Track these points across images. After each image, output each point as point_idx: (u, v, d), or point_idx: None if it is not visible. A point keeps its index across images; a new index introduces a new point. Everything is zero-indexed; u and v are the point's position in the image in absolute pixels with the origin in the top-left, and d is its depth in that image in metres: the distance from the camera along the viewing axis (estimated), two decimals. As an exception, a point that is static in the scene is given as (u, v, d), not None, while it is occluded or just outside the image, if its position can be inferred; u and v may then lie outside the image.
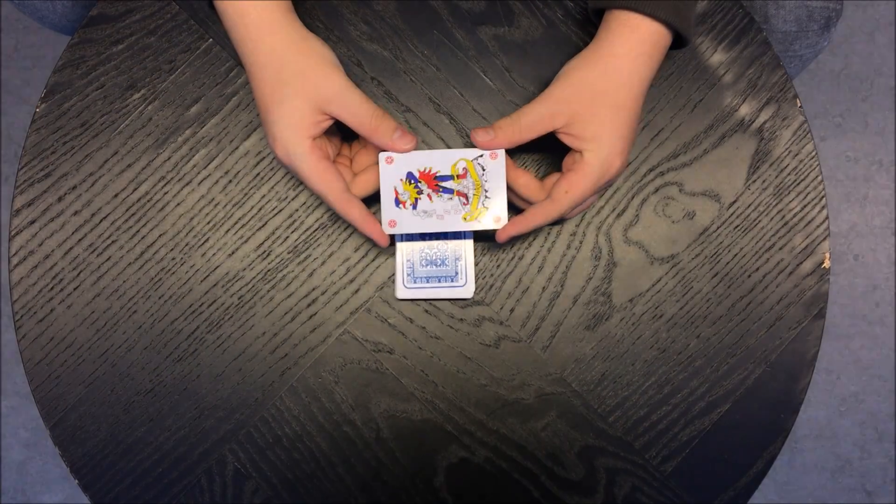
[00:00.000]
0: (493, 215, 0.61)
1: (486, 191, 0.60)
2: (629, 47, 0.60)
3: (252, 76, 0.59)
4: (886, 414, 1.48)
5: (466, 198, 0.60)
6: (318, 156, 0.58)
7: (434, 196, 0.60)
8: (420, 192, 0.60)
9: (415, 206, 0.61)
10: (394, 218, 0.61)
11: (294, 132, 0.58)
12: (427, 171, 0.60)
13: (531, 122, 0.60)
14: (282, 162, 0.59)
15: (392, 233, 0.61)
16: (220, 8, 0.59)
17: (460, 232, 0.67)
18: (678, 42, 0.62)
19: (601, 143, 0.59)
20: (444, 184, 0.60)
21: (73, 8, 0.76)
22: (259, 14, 0.58)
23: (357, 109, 0.58)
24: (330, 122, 0.59)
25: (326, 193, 0.59)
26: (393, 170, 0.60)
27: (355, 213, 0.59)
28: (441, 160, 0.60)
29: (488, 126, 0.60)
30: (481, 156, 0.60)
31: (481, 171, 0.60)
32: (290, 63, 0.58)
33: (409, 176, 0.60)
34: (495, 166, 0.60)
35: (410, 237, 0.67)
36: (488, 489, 0.68)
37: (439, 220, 0.61)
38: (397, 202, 0.60)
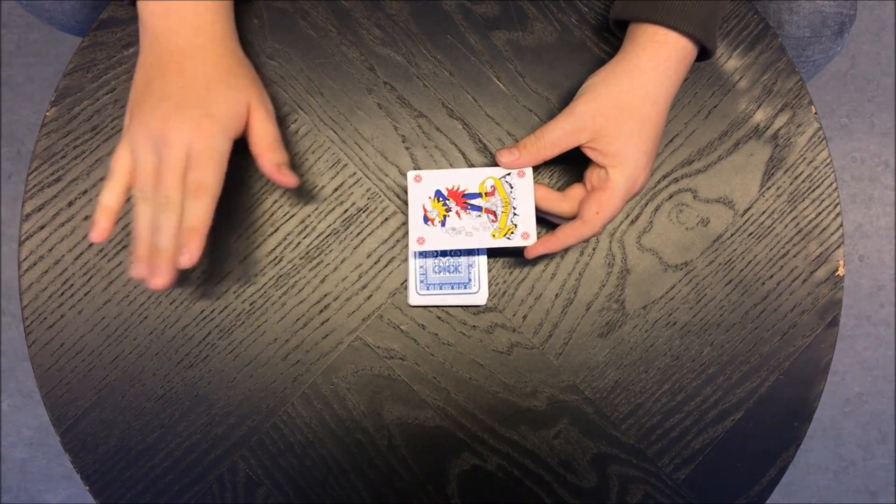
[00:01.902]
0: (522, 231, 0.61)
1: (515, 208, 0.61)
2: (656, 62, 0.59)
3: (193, 48, 0.59)
4: (890, 415, 1.48)
5: (495, 215, 0.60)
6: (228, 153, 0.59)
7: (462, 213, 0.61)
8: (448, 210, 0.61)
9: (443, 224, 0.61)
10: (422, 235, 0.61)
11: (231, 120, 0.58)
12: (455, 188, 0.60)
13: (556, 138, 0.59)
14: (177, 126, 0.57)
15: (420, 250, 0.61)
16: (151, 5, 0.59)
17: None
18: (702, 55, 0.62)
19: (627, 160, 0.59)
20: (472, 201, 0.61)
21: (80, 8, 0.75)
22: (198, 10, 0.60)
23: (270, 127, 0.61)
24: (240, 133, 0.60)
25: (215, 182, 0.58)
26: (421, 188, 0.61)
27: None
28: (469, 178, 0.61)
29: (512, 146, 0.60)
30: (509, 174, 0.61)
31: (509, 189, 0.61)
32: (238, 55, 0.62)
33: (438, 194, 0.61)
34: (523, 184, 0.61)
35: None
36: (500, 497, 0.68)
37: (468, 237, 0.61)
38: (426, 219, 0.61)
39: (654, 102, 0.60)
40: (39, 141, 0.67)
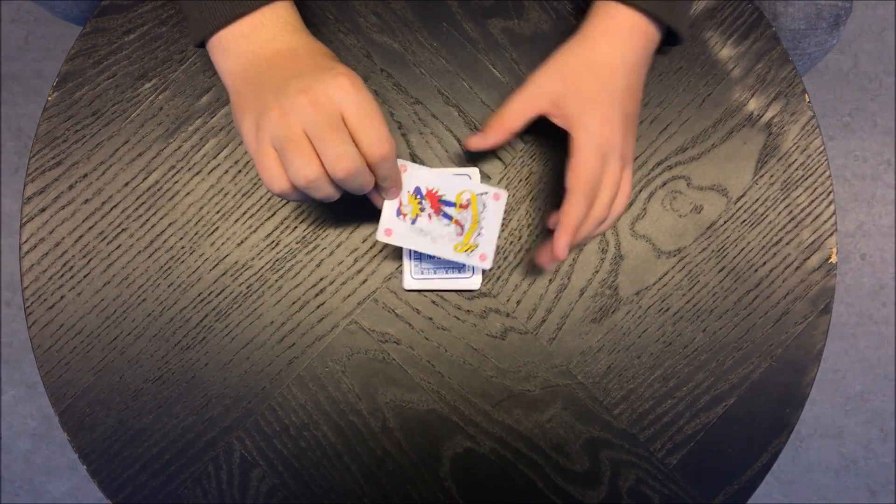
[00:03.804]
0: (481, 252, 0.61)
1: (482, 228, 0.60)
2: (603, 29, 0.61)
3: (295, 42, 0.56)
4: (891, 413, 1.48)
5: (462, 229, 0.60)
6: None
7: (434, 217, 0.60)
8: (422, 210, 0.60)
9: (413, 222, 0.60)
10: (391, 227, 0.60)
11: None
12: (435, 191, 0.60)
13: (515, 109, 0.60)
14: (322, 87, 0.52)
15: (385, 241, 0.60)
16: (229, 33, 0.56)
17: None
18: (674, 39, 0.63)
19: (588, 117, 0.59)
20: (446, 209, 0.60)
21: (85, -3, 0.76)
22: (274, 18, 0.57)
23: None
24: None
25: (388, 139, 0.54)
26: (403, 179, 0.60)
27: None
28: (449, 185, 0.60)
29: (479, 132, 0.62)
30: (486, 193, 0.60)
31: (482, 208, 0.60)
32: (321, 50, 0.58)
33: (417, 191, 0.60)
34: (496, 207, 0.60)
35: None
36: (493, 479, 0.68)
37: (433, 242, 0.60)
38: (399, 212, 0.60)
39: (609, 65, 0.60)
40: (41, 125, 0.68)
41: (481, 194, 0.60)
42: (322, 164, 0.52)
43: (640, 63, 0.62)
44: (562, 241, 0.59)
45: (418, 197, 0.60)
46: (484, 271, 0.68)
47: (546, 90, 0.60)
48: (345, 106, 0.52)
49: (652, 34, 0.62)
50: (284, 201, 0.68)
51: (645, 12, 0.60)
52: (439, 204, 0.60)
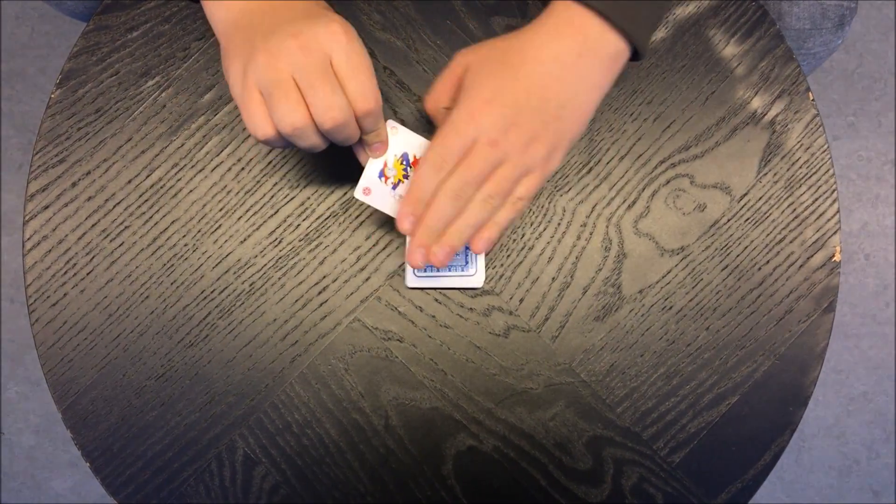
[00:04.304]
0: None
1: None
2: (539, 21, 0.57)
3: (272, 2, 0.55)
4: (894, 414, 1.48)
5: None
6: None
7: None
8: (406, 177, 0.60)
9: (395, 187, 0.60)
10: (370, 186, 0.59)
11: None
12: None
13: (442, 75, 0.59)
14: (312, 33, 0.51)
15: (361, 199, 0.60)
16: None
17: None
18: (635, 54, 0.58)
19: (470, 92, 0.56)
20: None
21: (89, -5, 0.76)
22: None
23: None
24: None
25: (375, 92, 0.54)
26: (393, 141, 0.59)
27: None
28: None
29: None
30: None
31: None
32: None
33: (404, 157, 0.60)
34: None
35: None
36: (496, 478, 0.68)
37: None
38: (381, 174, 0.60)
39: (523, 52, 0.56)
40: (44, 122, 0.68)
41: None
42: (309, 112, 0.52)
43: (575, 64, 0.56)
44: (402, 210, 0.57)
45: (404, 163, 0.60)
46: (486, 270, 0.68)
47: (461, 61, 0.58)
48: (335, 54, 0.51)
49: (594, 34, 0.55)
50: (287, 199, 0.68)
51: (593, 10, 0.54)
52: None
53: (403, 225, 0.57)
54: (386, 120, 0.59)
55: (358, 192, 0.60)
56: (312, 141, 0.53)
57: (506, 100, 0.55)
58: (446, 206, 0.56)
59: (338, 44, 0.52)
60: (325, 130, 0.53)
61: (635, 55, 0.58)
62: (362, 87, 0.53)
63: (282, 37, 0.51)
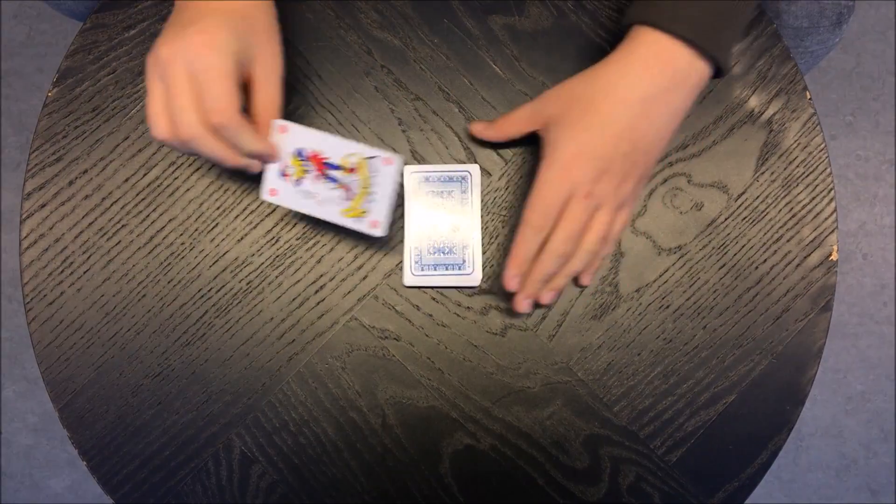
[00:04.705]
0: (371, 219, 0.59)
1: (372, 193, 0.59)
2: (622, 55, 0.57)
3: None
4: (892, 413, 1.48)
5: (350, 193, 0.59)
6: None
7: (318, 180, 0.59)
8: (306, 172, 0.60)
9: (298, 183, 0.60)
10: (275, 187, 0.60)
11: (229, 41, 0.54)
12: (318, 153, 0.59)
13: (517, 118, 0.61)
14: (165, 61, 0.53)
15: (271, 201, 0.61)
16: None
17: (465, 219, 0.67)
18: (718, 72, 0.59)
19: (556, 147, 0.58)
20: (331, 172, 0.59)
21: (86, -6, 0.76)
22: None
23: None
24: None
25: (227, 108, 0.54)
26: (285, 140, 0.59)
27: (249, 133, 0.56)
28: (334, 148, 0.59)
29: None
30: (375, 157, 0.58)
31: (374, 173, 0.59)
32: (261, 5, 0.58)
33: (299, 152, 0.60)
34: (387, 172, 0.58)
35: (419, 223, 0.67)
36: (493, 476, 0.68)
37: (318, 205, 0.60)
38: (282, 174, 0.60)
39: (608, 94, 0.56)
40: (41, 121, 0.68)
41: (370, 158, 0.59)
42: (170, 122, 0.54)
43: (664, 98, 0.56)
44: (510, 272, 0.61)
45: (301, 159, 0.60)
46: (484, 269, 0.68)
47: (541, 110, 0.60)
48: (194, 66, 0.52)
49: (684, 64, 0.56)
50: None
51: (681, 39, 0.54)
52: (324, 166, 0.59)
53: (511, 284, 0.61)
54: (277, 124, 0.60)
55: (264, 194, 0.61)
56: (199, 151, 0.55)
57: (596, 152, 0.56)
58: (552, 264, 0.61)
59: (196, 56, 0.52)
60: (180, 142, 0.54)
61: (717, 72, 0.59)
62: (209, 102, 0.53)
63: (159, 44, 0.54)
